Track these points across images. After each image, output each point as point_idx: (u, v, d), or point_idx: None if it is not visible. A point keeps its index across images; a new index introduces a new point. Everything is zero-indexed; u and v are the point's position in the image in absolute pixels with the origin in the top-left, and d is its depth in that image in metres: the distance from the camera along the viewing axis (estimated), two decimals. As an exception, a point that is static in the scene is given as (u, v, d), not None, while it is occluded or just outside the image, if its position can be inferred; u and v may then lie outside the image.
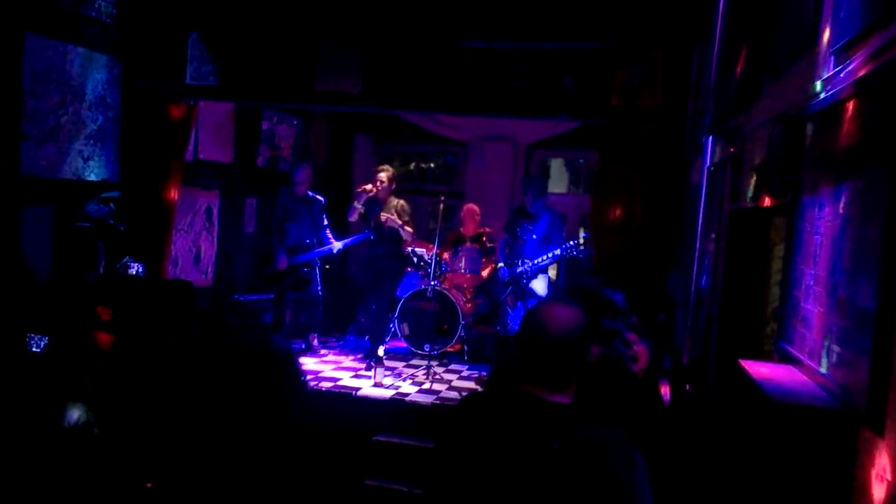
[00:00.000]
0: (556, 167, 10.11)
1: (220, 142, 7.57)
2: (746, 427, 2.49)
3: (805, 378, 2.17)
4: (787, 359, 2.44)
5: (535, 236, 6.84)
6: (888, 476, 1.60)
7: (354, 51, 6.07)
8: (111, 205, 5.94)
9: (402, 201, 6.99)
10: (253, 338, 6.41)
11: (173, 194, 6.48)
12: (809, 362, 2.20)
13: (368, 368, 6.35)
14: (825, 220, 2.19)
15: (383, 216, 6.85)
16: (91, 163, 5.93)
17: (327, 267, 7.43)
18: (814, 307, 2.23)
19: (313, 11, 6.09)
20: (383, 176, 6.90)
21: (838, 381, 1.93)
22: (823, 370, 2.06)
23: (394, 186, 6.98)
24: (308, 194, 7.07)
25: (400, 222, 6.81)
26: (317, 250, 6.99)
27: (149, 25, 6.20)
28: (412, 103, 6.34)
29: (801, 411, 1.88)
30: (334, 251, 7.00)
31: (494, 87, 5.91)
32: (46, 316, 4.17)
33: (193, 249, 7.30)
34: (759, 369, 2.28)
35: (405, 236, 6.88)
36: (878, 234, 1.72)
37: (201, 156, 7.17)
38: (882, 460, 1.63)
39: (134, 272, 5.77)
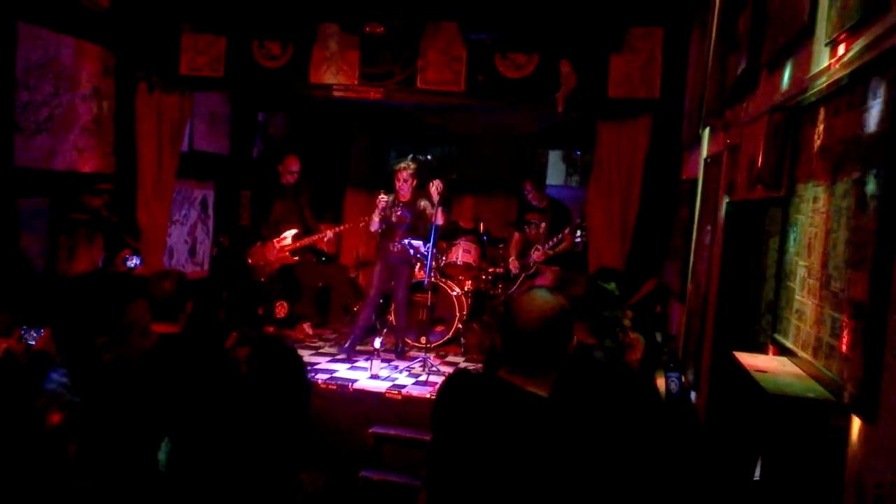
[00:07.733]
0: (553, 159, 10.10)
1: (216, 133, 7.55)
2: (741, 418, 2.50)
3: (799, 370, 2.17)
4: (782, 350, 2.44)
5: (543, 224, 6.94)
6: (879, 465, 1.60)
7: (352, 39, 6.04)
8: (106, 196, 5.92)
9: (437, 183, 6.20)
10: (247, 329, 6.42)
11: (168, 186, 6.46)
12: (803, 354, 2.20)
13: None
14: (819, 211, 2.19)
15: (421, 204, 6.40)
16: (85, 154, 5.91)
17: (323, 259, 7.41)
18: (808, 299, 2.22)
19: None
20: (406, 174, 6.34)
21: (832, 373, 1.93)
22: (817, 362, 2.07)
23: (416, 182, 6.37)
24: (295, 184, 7.04)
25: (432, 210, 6.28)
26: (307, 240, 6.97)
27: (143, 16, 6.16)
28: (409, 95, 6.29)
29: (794, 402, 1.89)
30: (324, 240, 6.97)
31: (489, 78, 5.90)
32: (42, 309, 4.14)
33: (189, 241, 7.28)
34: (754, 361, 2.28)
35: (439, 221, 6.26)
36: (871, 226, 1.72)
37: (196, 147, 7.14)
38: (873, 450, 1.64)
39: (132, 265, 5.76)
